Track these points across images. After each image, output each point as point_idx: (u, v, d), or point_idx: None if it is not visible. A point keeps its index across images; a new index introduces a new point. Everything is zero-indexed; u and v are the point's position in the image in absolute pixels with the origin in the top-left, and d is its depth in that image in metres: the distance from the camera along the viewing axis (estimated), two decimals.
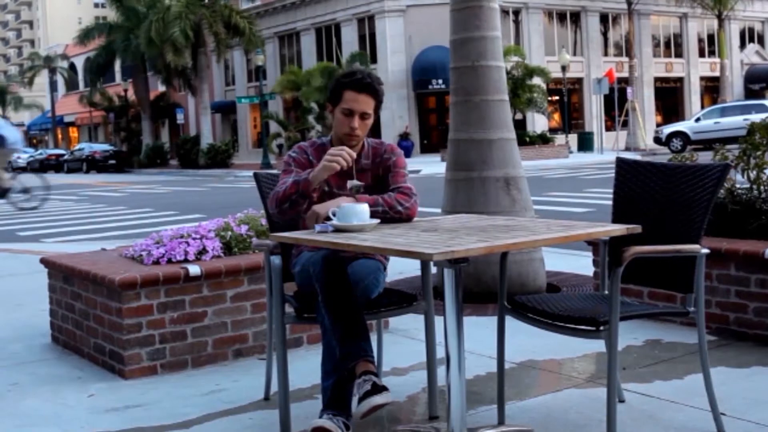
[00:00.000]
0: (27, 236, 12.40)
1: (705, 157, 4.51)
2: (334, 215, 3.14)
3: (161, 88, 48.25)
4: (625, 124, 37.46)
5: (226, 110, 48.50)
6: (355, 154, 3.25)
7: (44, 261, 5.05)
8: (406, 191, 3.36)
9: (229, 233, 4.64)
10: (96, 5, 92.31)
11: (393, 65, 37.54)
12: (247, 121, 47.68)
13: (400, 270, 6.10)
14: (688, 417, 3.31)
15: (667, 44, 46.01)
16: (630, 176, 3.46)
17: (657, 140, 33.50)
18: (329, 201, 3.29)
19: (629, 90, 37.04)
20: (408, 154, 33.26)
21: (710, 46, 46.89)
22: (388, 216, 3.24)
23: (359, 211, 3.08)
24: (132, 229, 12.56)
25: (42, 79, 65.18)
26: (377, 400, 2.95)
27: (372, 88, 3.36)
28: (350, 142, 3.39)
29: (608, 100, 36.65)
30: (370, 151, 3.48)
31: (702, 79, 46.71)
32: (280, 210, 3.33)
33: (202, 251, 4.48)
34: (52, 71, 63.01)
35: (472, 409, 3.45)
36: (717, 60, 44.10)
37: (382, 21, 38.03)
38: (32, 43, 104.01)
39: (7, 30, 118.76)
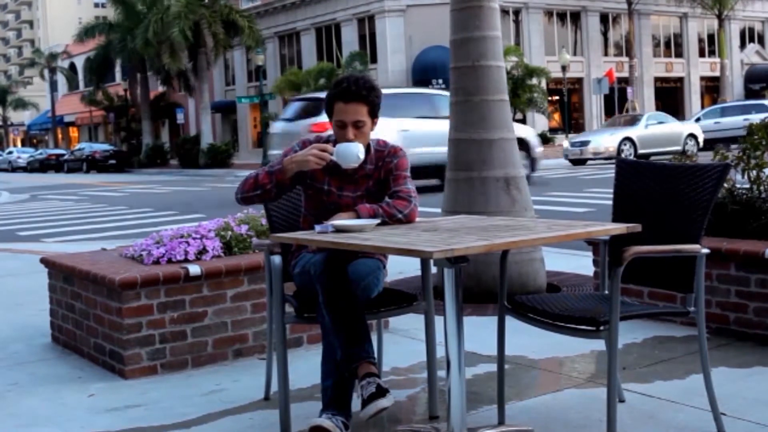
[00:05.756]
0: (27, 236, 12.40)
1: (705, 157, 4.51)
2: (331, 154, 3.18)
3: (161, 88, 48.26)
4: None
5: (226, 110, 48.50)
6: (327, 157, 3.24)
7: (44, 261, 5.05)
8: (405, 196, 3.33)
9: (229, 233, 4.64)
10: (96, 5, 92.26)
11: (393, 65, 37.54)
12: (248, 121, 47.68)
13: (400, 270, 6.10)
14: (688, 417, 3.31)
15: (667, 44, 46.02)
16: (630, 176, 3.46)
17: None
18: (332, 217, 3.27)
19: (629, 90, 37.07)
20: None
21: (710, 46, 46.91)
22: (388, 224, 3.23)
23: (361, 149, 3.12)
24: (132, 229, 12.56)
25: (42, 78, 65.17)
26: (384, 403, 2.96)
27: (358, 95, 3.32)
28: None
29: (608, 100, 36.70)
30: (374, 155, 3.46)
31: (702, 79, 46.72)
32: (244, 197, 3.36)
33: (202, 251, 4.48)
34: (53, 71, 63.00)
35: (472, 409, 3.45)
36: (717, 60, 44.12)
37: (382, 21, 38.03)
38: (32, 43, 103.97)
39: (7, 30, 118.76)
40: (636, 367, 4.00)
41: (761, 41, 50.11)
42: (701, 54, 46.87)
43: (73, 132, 69.30)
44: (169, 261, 4.38)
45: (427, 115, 15.94)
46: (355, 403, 3.14)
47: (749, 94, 45.43)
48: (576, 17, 42.13)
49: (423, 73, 36.97)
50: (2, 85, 74.01)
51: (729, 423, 3.16)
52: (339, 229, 3.04)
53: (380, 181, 3.44)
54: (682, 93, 46.39)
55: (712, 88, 46.01)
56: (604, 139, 26.19)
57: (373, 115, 3.38)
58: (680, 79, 46.39)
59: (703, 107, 40.76)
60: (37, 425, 3.60)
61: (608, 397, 2.90)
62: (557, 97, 39.27)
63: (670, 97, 45.86)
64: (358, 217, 3.20)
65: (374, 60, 37.71)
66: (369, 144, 3.44)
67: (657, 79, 44.94)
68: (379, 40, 38.25)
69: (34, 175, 48.45)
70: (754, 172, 4.84)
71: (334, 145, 3.43)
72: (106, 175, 40.49)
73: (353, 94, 3.32)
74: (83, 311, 4.56)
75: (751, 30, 49.75)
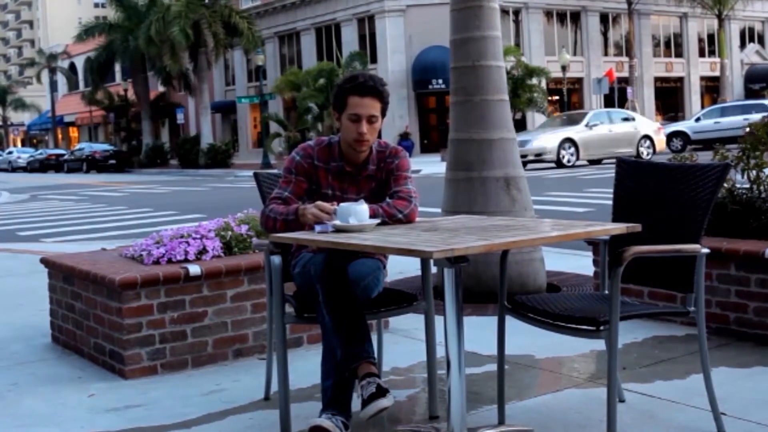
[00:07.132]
0: (27, 236, 12.40)
1: (705, 157, 4.51)
2: (334, 213, 3.14)
3: (161, 88, 48.25)
4: None
5: (226, 110, 48.51)
6: (330, 212, 3.17)
7: (44, 261, 5.05)
8: (405, 196, 3.33)
9: (229, 233, 4.64)
10: (96, 5, 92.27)
11: (393, 65, 37.53)
12: (247, 121, 47.68)
13: (400, 270, 6.10)
14: (688, 417, 3.31)
15: (667, 44, 46.03)
16: (630, 176, 3.46)
17: None
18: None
19: (629, 90, 37.08)
20: (408, 154, 33.20)
21: (710, 45, 46.92)
22: (388, 224, 3.23)
23: (359, 211, 3.09)
24: (132, 229, 12.56)
25: (42, 78, 65.17)
26: (384, 402, 2.96)
27: (375, 90, 3.34)
28: (359, 148, 3.37)
29: (608, 100, 36.66)
30: (375, 156, 3.46)
31: (702, 78, 46.74)
32: (270, 233, 3.37)
33: (202, 251, 4.48)
34: (53, 71, 62.98)
35: (472, 409, 3.45)
36: (717, 60, 44.12)
37: (382, 21, 38.03)
38: (32, 43, 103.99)
39: (7, 30, 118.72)
40: (636, 367, 4.00)
41: (761, 41, 50.11)
42: (701, 54, 46.87)
43: (73, 132, 69.29)
44: (169, 261, 4.38)
45: None
46: (355, 403, 3.14)
47: (749, 94, 45.44)
48: (576, 17, 42.13)
49: (423, 73, 36.98)
50: (2, 85, 74.02)
51: (729, 423, 3.16)
52: (339, 229, 3.03)
53: (382, 182, 3.45)
54: (682, 93, 46.39)
55: (712, 88, 46.01)
56: (544, 139, 24.17)
57: (383, 113, 3.40)
58: (680, 79, 46.39)
59: (703, 107, 40.75)
60: (37, 425, 3.60)
61: (608, 397, 2.90)
62: (557, 97, 39.25)
63: (670, 97, 45.87)
64: None
65: (374, 60, 37.71)
66: (371, 145, 3.45)
67: (657, 79, 44.94)
68: (379, 40, 38.25)
69: (34, 175, 48.46)
70: (754, 172, 4.84)
71: (337, 147, 3.43)
72: (106, 175, 40.49)
73: (370, 88, 3.34)
74: (83, 311, 4.56)
75: (751, 30, 49.75)
